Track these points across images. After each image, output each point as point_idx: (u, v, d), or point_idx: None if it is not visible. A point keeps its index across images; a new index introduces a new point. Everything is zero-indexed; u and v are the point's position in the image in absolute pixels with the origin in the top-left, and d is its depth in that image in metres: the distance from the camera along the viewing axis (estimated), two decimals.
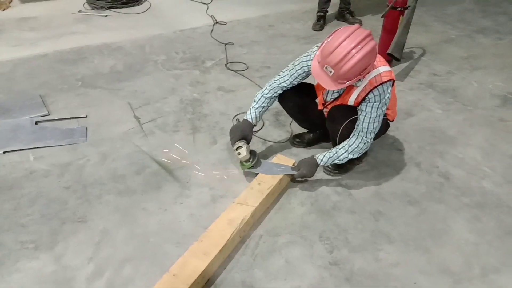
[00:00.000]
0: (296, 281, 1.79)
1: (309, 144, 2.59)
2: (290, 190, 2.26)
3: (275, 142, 2.63)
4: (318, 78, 1.93)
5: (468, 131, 2.80)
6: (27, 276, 1.77)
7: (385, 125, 2.30)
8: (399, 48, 3.34)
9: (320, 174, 2.35)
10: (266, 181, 2.15)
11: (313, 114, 2.39)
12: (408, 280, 1.81)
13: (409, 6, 3.38)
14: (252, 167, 2.22)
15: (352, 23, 4.52)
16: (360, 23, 4.51)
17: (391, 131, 2.66)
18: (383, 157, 2.53)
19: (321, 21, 4.41)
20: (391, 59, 3.36)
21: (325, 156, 2.17)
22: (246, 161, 2.19)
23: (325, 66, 1.85)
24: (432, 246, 1.97)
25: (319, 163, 2.18)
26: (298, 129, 2.68)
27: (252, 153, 2.22)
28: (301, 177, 2.24)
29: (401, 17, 3.39)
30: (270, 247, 1.94)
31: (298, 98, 2.35)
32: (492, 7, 5.20)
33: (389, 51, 3.25)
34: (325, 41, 1.89)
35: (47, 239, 1.93)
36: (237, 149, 2.19)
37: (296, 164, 2.26)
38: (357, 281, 1.79)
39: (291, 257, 1.89)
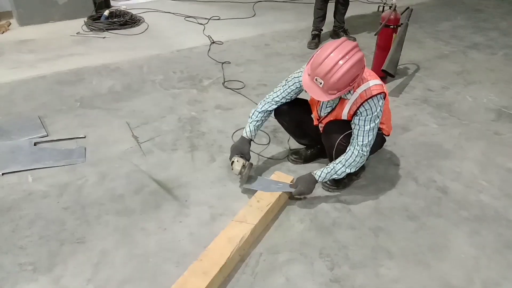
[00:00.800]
0: None
1: (306, 160, 2.60)
2: (289, 207, 2.26)
3: (272, 159, 2.64)
4: (309, 90, 1.98)
5: (464, 145, 2.82)
6: None
7: (380, 139, 2.32)
8: (393, 65, 3.39)
9: (318, 191, 2.36)
10: (265, 198, 2.15)
11: (310, 129, 2.41)
12: None
13: (401, 24, 3.45)
14: (247, 182, 2.31)
15: None
16: (354, 40, 4.59)
17: (388, 146, 2.68)
18: (381, 172, 2.54)
19: (316, 39, 4.48)
20: (386, 76, 3.42)
21: (322, 172, 2.17)
22: (238, 174, 2.29)
23: (315, 77, 1.92)
24: (432, 261, 1.96)
25: (317, 179, 2.19)
26: (295, 145, 2.70)
27: (245, 166, 2.28)
28: (299, 194, 2.24)
29: (394, 35, 3.46)
30: (270, 265, 1.93)
31: (294, 113, 2.38)
32: (483, 23, 5.31)
33: (383, 67, 3.30)
34: (314, 55, 1.95)
35: (45, 260, 1.92)
36: (232, 163, 2.30)
37: (294, 181, 2.27)
38: None
39: (291, 275, 1.88)
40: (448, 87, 3.63)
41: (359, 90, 2.04)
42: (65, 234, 2.06)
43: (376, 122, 2.09)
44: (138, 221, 2.15)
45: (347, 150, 2.14)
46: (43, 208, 2.22)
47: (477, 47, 4.55)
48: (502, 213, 2.25)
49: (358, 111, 2.06)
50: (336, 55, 1.85)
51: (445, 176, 2.52)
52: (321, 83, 1.91)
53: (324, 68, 1.86)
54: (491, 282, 1.87)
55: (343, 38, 1.94)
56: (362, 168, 2.47)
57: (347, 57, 1.85)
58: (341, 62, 1.84)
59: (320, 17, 4.44)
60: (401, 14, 3.49)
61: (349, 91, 2.03)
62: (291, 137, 2.69)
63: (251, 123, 2.32)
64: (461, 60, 4.20)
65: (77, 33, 4.66)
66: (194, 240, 2.04)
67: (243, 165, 2.27)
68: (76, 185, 2.39)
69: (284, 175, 2.35)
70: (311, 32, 4.54)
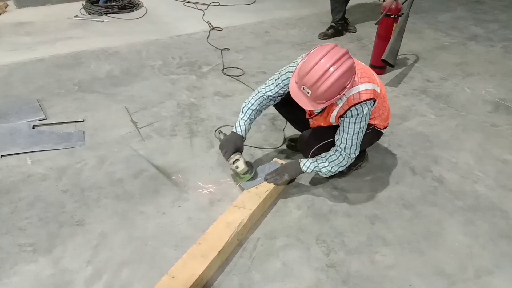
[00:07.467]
0: (294, 284, 1.80)
1: None
2: (287, 194, 2.28)
3: (270, 147, 2.65)
4: (296, 98, 1.88)
5: (461, 136, 2.85)
6: (26, 280, 1.77)
7: (376, 133, 2.29)
8: (393, 55, 3.40)
9: (316, 178, 2.38)
10: (263, 185, 2.17)
11: (304, 119, 2.35)
12: (404, 282, 1.83)
13: (402, 14, 3.45)
14: (251, 178, 2.21)
15: (348, 30, 4.59)
16: (355, 30, 4.58)
17: (385, 136, 2.70)
18: (379, 161, 2.57)
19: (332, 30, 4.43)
20: (385, 66, 3.42)
21: (311, 163, 2.12)
22: (245, 173, 2.19)
23: (302, 86, 1.81)
24: (427, 249, 2.00)
25: (304, 169, 2.13)
26: (292, 132, 2.71)
27: (249, 164, 2.21)
28: (290, 179, 2.21)
29: (395, 24, 3.45)
30: (267, 250, 1.96)
31: (290, 103, 2.32)
32: (483, 15, 5.31)
33: (383, 57, 3.30)
34: (301, 62, 1.85)
35: (45, 242, 1.94)
36: (234, 162, 2.16)
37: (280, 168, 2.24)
38: (354, 283, 1.82)
39: (288, 260, 1.91)
40: (446, 78, 3.64)
41: (347, 94, 1.94)
42: (64, 217, 2.08)
43: (362, 124, 2.01)
44: (137, 205, 2.17)
45: (331, 151, 2.10)
46: (42, 191, 2.23)
47: (476, 39, 4.55)
48: (496, 203, 2.29)
49: (345, 114, 1.99)
50: (324, 63, 1.73)
51: (442, 166, 2.55)
52: (308, 93, 1.80)
53: (312, 77, 1.74)
54: (484, 270, 1.90)
55: (332, 44, 1.80)
56: (366, 159, 2.49)
57: (336, 65, 1.72)
58: (330, 70, 1.72)
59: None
60: (402, 3, 3.48)
61: (339, 99, 1.93)
62: (288, 124, 2.70)
63: (245, 121, 2.18)
64: (460, 52, 4.21)
65: (75, 16, 4.62)
66: (193, 225, 2.06)
67: (246, 163, 2.18)
68: (75, 168, 2.39)
69: (282, 162, 2.37)
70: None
